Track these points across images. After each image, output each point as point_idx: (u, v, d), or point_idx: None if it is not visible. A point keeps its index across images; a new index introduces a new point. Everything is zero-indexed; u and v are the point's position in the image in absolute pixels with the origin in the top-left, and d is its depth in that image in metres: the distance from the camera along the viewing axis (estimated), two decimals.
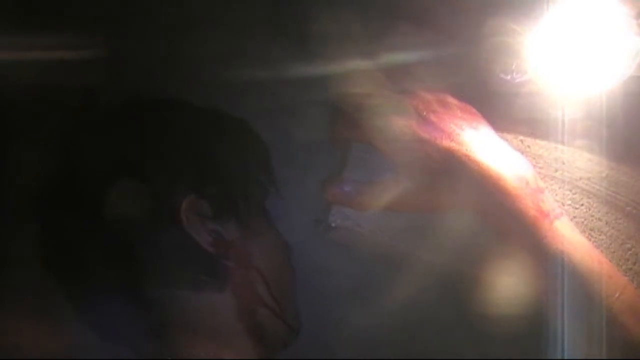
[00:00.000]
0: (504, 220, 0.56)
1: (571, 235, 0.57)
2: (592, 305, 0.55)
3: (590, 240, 0.61)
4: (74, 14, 0.72)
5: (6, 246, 0.70)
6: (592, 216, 0.64)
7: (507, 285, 0.63)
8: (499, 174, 0.56)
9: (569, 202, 0.64)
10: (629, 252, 0.64)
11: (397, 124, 0.58)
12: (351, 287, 0.76)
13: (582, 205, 0.65)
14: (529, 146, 0.65)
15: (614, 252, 0.64)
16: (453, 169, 0.57)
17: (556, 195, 0.65)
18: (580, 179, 0.65)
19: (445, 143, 0.57)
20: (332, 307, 0.77)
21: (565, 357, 0.56)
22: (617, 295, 0.55)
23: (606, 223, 0.64)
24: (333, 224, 0.64)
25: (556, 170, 0.65)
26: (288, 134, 0.75)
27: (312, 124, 0.73)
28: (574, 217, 0.64)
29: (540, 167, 0.65)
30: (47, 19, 0.71)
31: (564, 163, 0.64)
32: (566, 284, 0.55)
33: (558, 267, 0.55)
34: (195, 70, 0.75)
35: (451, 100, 0.60)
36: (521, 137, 0.64)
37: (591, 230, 0.64)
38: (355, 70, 0.64)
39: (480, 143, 0.57)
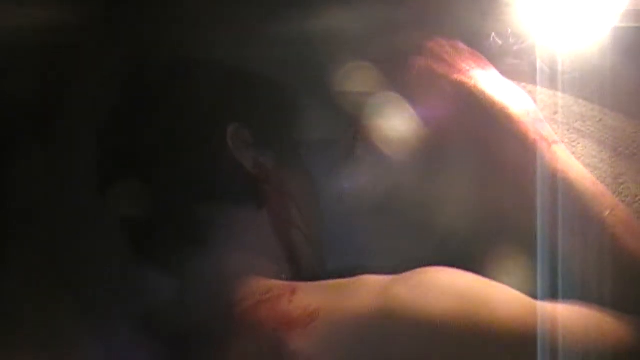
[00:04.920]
0: (507, 141, 0.64)
1: (567, 158, 0.64)
2: (586, 218, 0.61)
3: None
4: None
5: (6, 246, 0.74)
6: (588, 154, 0.71)
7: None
8: (504, 102, 0.65)
9: (567, 140, 0.71)
10: (622, 185, 0.70)
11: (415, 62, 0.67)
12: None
13: (578, 144, 0.71)
14: (530, 91, 0.72)
15: (608, 185, 0.69)
16: (463, 98, 0.65)
17: (555, 134, 0.71)
18: (577, 121, 0.72)
19: (457, 76, 0.66)
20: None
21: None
22: (609, 211, 0.61)
23: (601, 160, 0.71)
24: (358, 153, 0.72)
25: (555, 113, 0.72)
26: None
27: None
28: (572, 153, 0.70)
29: (540, 110, 0.72)
30: None
31: (562, 107, 0.72)
32: (561, 199, 0.62)
33: (555, 183, 0.62)
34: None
35: (462, 46, 0.69)
36: (523, 83, 0.72)
37: (587, 166, 0.69)
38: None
39: (487, 78, 0.66)
